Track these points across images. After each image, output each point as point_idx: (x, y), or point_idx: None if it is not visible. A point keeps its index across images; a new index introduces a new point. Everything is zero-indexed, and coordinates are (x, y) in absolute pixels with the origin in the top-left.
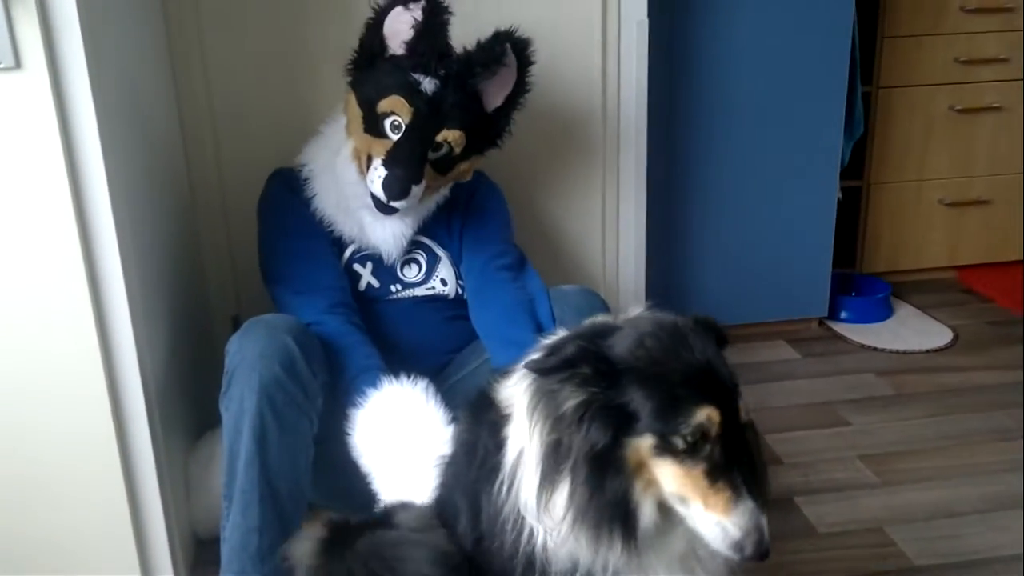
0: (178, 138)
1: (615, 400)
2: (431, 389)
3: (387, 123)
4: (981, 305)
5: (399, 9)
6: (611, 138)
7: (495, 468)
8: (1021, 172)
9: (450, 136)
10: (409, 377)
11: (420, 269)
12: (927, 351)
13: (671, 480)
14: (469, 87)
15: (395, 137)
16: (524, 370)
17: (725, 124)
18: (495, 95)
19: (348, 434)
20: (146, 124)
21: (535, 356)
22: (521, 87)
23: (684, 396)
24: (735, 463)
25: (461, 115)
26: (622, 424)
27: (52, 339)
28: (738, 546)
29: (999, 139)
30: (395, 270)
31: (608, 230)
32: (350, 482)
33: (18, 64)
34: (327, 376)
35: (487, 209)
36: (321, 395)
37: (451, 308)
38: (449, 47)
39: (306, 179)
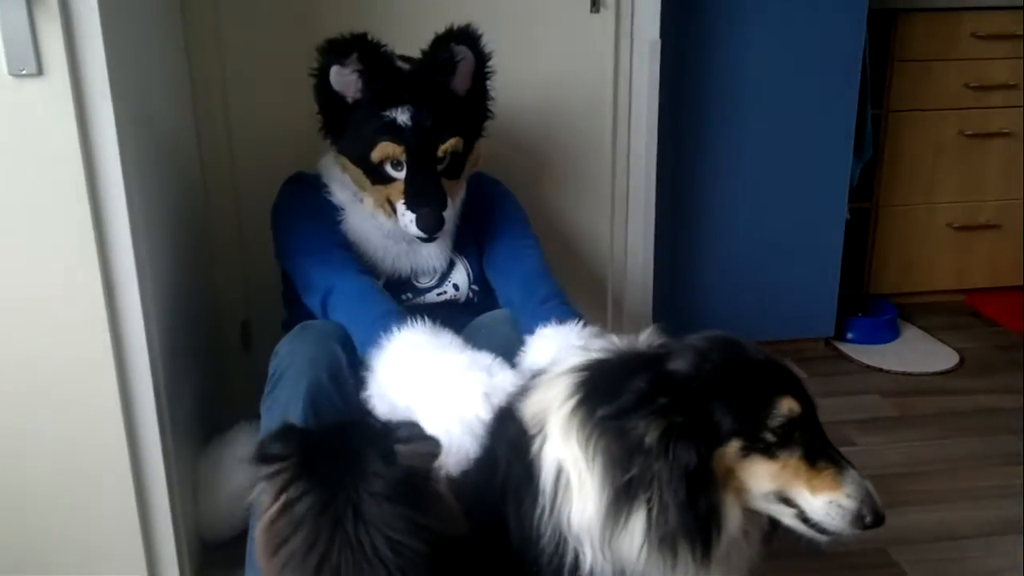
0: (193, 144)
1: (696, 418)
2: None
3: (387, 168)
4: (988, 328)
5: (335, 68)
6: (620, 158)
7: (523, 489)
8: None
9: (448, 146)
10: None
11: (434, 275)
12: (933, 373)
13: (766, 477)
14: (440, 94)
15: (402, 175)
16: (596, 419)
17: (735, 143)
18: (462, 82)
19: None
20: (163, 130)
21: (581, 389)
22: (483, 65)
23: (763, 392)
24: (823, 441)
25: (448, 123)
26: (705, 439)
27: (66, 341)
28: (857, 517)
29: (1008, 164)
30: (409, 279)
31: (616, 248)
32: None
33: (40, 71)
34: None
35: (503, 207)
36: (357, 406)
37: (460, 314)
38: (401, 71)
39: (322, 180)
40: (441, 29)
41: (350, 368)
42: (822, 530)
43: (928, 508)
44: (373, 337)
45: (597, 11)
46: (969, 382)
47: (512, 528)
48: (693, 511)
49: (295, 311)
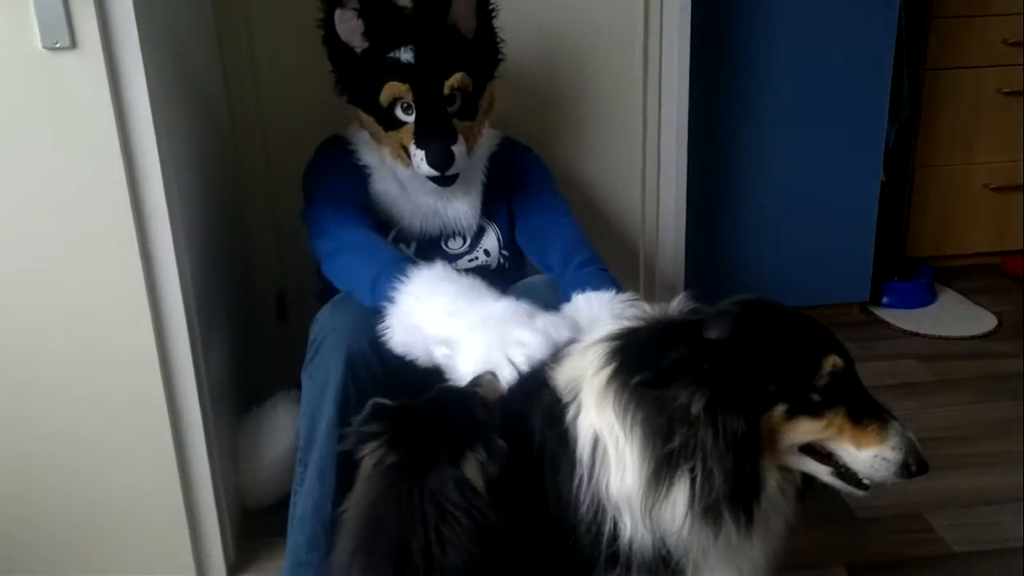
0: (225, 115)
1: (741, 384)
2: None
3: (397, 110)
4: None
5: (338, 12)
6: (651, 119)
7: (559, 458)
8: None
9: (455, 82)
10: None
11: (465, 240)
12: (970, 337)
13: (811, 436)
14: (441, 31)
15: (411, 118)
16: (633, 386)
17: (768, 105)
18: (466, 19)
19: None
20: (195, 100)
21: (616, 357)
22: (486, 2)
23: (807, 353)
24: (865, 395)
25: (452, 59)
26: (753, 404)
27: (105, 310)
28: (904, 467)
29: None
30: (439, 243)
31: (648, 213)
32: None
33: (74, 44)
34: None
35: (532, 168)
36: (398, 379)
37: (492, 282)
38: (401, 11)
39: (352, 143)
40: None
41: None
42: (862, 483)
43: (964, 473)
44: (388, 278)
45: None
46: (1006, 346)
47: (549, 496)
48: (738, 478)
49: (329, 282)
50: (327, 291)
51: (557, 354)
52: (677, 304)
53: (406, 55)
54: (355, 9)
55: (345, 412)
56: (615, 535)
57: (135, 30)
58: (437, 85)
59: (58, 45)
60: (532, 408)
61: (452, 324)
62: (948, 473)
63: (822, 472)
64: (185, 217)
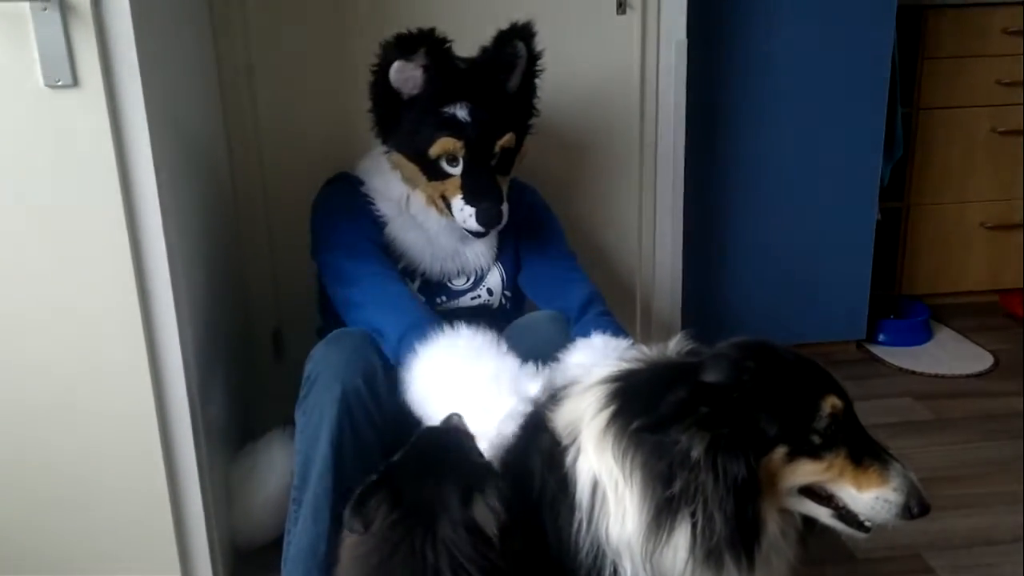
0: (224, 152)
1: (741, 428)
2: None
3: (444, 163)
4: (1022, 330)
5: (399, 63)
6: (648, 159)
7: (559, 502)
8: None
9: (504, 142)
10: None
11: (469, 278)
12: (967, 376)
13: (812, 479)
14: (496, 91)
15: (457, 171)
16: (632, 431)
17: (764, 143)
18: (515, 79)
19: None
20: (194, 139)
21: (614, 400)
22: (533, 64)
23: (806, 395)
24: (866, 437)
25: (503, 118)
26: (753, 448)
27: (101, 350)
28: (905, 508)
29: None
30: (444, 280)
31: (644, 251)
32: None
33: (75, 82)
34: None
35: (543, 217)
36: (393, 412)
37: (492, 321)
38: (459, 68)
39: (365, 184)
40: (468, 26)
41: (384, 374)
42: (863, 525)
43: (963, 513)
44: (406, 344)
45: (623, 12)
46: (1004, 384)
47: (550, 539)
48: (739, 521)
49: (330, 318)
50: (327, 328)
51: (556, 396)
52: (675, 345)
53: (461, 112)
54: (422, 64)
55: (339, 450)
56: None
57: (137, 69)
58: (490, 144)
59: (60, 83)
60: (531, 451)
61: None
62: (946, 513)
63: (823, 514)
64: (184, 255)
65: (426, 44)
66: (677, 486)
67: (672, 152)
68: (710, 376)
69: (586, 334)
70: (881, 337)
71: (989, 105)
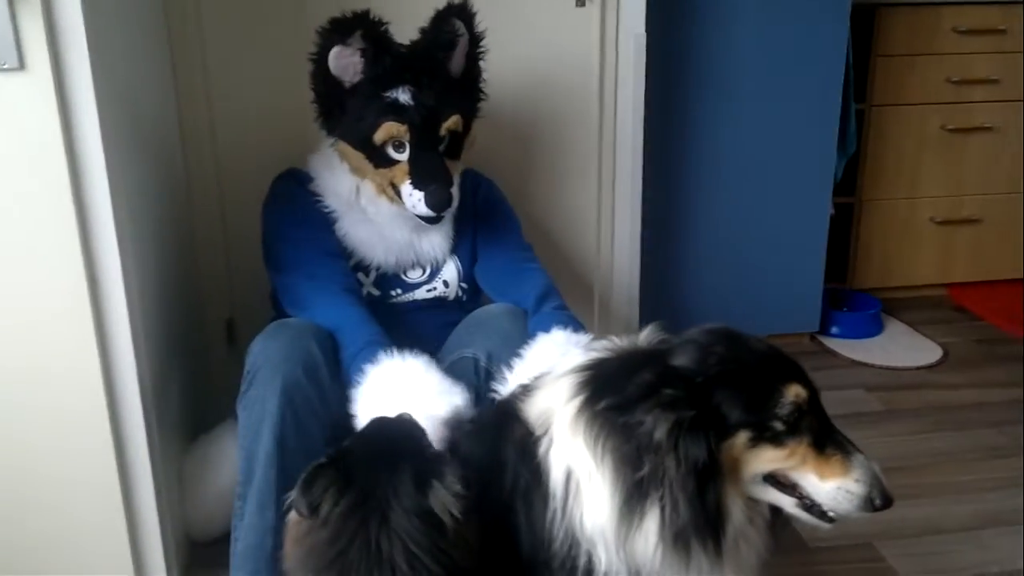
0: (176, 140)
1: (704, 411)
2: (431, 363)
3: (390, 149)
4: (971, 323)
5: (336, 48)
6: (607, 153)
7: (532, 493)
8: (1012, 192)
9: (450, 124)
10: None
11: (425, 270)
12: (917, 368)
13: (774, 466)
14: (439, 73)
15: (404, 156)
16: (592, 410)
17: (719, 139)
18: (458, 61)
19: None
20: (146, 125)
21: (585, 387)
22: (476, 45)
23: (770, 382)
24: (830, 427)
25: (448, 101)
26: (715, 431)
27: (50, 339)
28: (867, 501)
29: (989, 159)
30: (399, 272)
31: (603, 245)
32: None
33: (22, 65)
34: (341, 382)
35: (498, 209)
36: (336, 402)
37: (447, 313)
38: (400, 51)
39: (312, 180)
40: (428, 16)
41: (326, 365)
42: (826, 516)
43: (914, 502)
44: (360, 362)
45: (583, 5)
46: (953, 376)
47: (522, 532)
48: (703, 506)
49: (283, 310)
50: (280, 319)
51: (528, 387)
52: (646, 336)
53: (404, 96)
54: (359, 48)
55: (282, 443)
56: (590, 570)
57: (86, 53)
58: (435, 127)
59: (6, 66)
60: (504, 443)
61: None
62: (898, 503)
63: (787, 503)
64: (135, 242)
65: (362, 27)
66: (645, 469)
67: (631, 146)
68: (677, 360)
69: (545, 329)
70: (834, 329)
71: (939, 103)
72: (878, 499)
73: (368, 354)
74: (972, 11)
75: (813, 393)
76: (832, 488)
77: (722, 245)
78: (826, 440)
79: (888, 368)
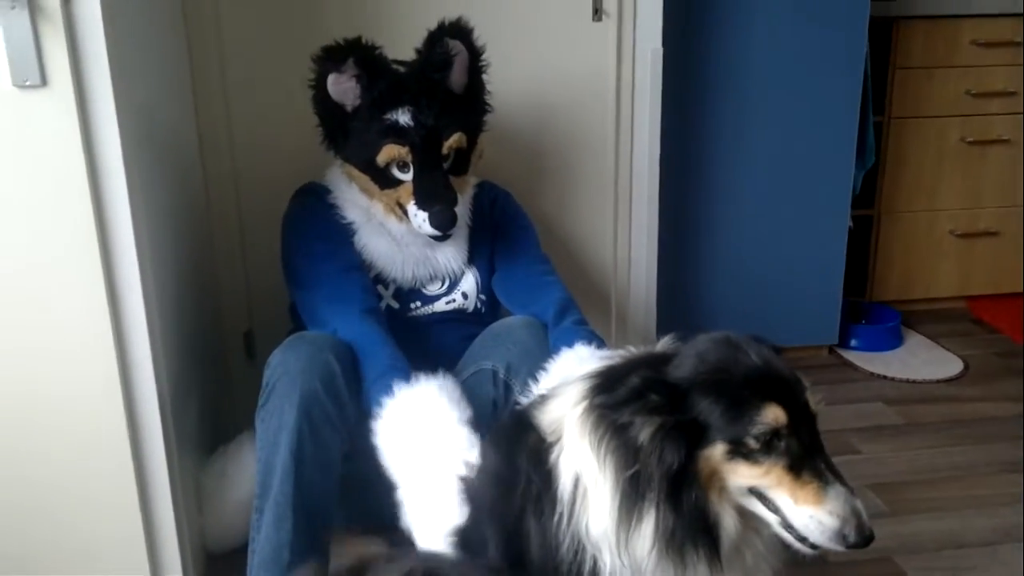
0: (195, 153)
1: (685, 418)
2: (449, 387)
3: (394, 170)
4: (991, 336)
5: (333, 76)
6: (623, 166)
7: (543, 498)
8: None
9: (452, 142)
10: (428, 376)
11: (443, 282)
12: (937, 381)
13: (749, 480)
14: (438, 92)
15: (408, 176)
16: (587, 404)
17: (737, 151)
18: (459, 77)
19: (373, 446)
20: (166, 139)
21: (591, 389)
22: (477, 58)
23: (749, 398)
24: (814, 453)
25: (449, 119)
26: (693, 439)
27: (71, 352)
28: (840, 535)
29: (1008, 171)
30: (417, 285)
31: (620, 258)
32: (374, 499)
33: (44, 82)
34: (359, 395)
35: (516, 221)
36: (354, 415)
37: (466, 326)
38: (398, 72)
39: (331, 193)
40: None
41: (344, 378)
42: (805, 541)
43: (933, 516)
44: (379, 389)
45: (599, 19)
46: (973, 390)
47: (533, 537)
48: (681, 510)
49: (301, 321)
50: (298, 331)
51: (543, 396)
52: (662, 345)
53: (404, 117)
54: (354, 75)
55: (300, 455)
56: (595, 573)
57: (107, 69)
58: (436, 147)
59: (28, 83)
60: (518, 450)
61: (406, 481)
62: (918, 517)
63: (773, 521)
64: (155, 256)
65: (353, 53)
66: (632, 469)
67: (647, 160)
68: (674, 368)
69: (568, 344)
70: (853, 342)
71: (959, 115)
72: (852, 536)
73: (385, 383)
74: (991, 24)
75: (799, 417)
76: (805, 515)
77: (740, 257)
78: (804, 466)
79: (908, 381)
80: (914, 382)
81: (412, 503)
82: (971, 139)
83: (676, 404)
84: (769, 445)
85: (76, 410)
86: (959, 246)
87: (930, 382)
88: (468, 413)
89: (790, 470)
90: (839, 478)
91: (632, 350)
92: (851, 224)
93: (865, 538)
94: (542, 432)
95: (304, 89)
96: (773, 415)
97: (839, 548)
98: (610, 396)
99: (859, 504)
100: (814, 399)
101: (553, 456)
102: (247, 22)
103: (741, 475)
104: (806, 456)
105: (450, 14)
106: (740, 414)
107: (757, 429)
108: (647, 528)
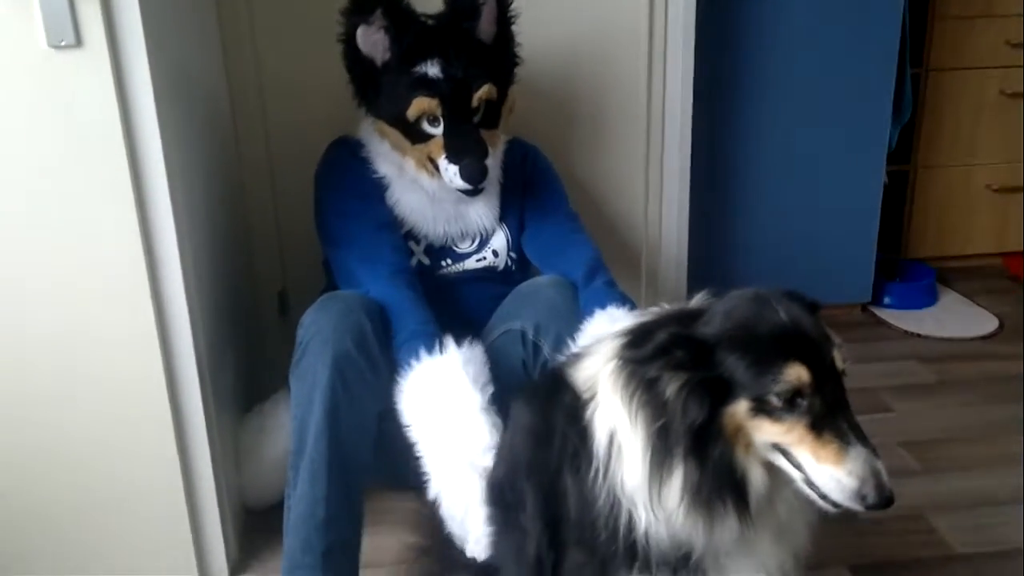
0: (227, 111)
1: (710, 374)
2: (476, 358)
3: (424, 124)
4: None
5: (361, 28)
6: (655, 117)
7: (579, 455)
8: None
9: (483, 94)
10: (456, 342)
11: (474, 240)
12: (972, 338)
13: (773, 439)
14: (466, 42)
15: (439, 130)
16: (617, 360)
17: (771, 105)
18: (487, 29)
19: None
20: (199, 98)
21: (624, 345)
22: (505, 8)
23: (772, 355)
24: (838, 412)
25: (478, 71)
26: (718, 395)
27: (109, 312)
28: (858, 495)
29: None
30: (448, 243)
31: (651, 215)
32: (404, 459)
33: (79, 42)
34: (392, 354)
35: (546, 178)
36: (387, 374)
37: (497, 285)
38: (426, 24)
39: (364, 147)
40: None
41: (375, 337)
42: (827, 498)
43: (967, 474)
44: (407, 352)
45: None
46: (1008, 347)
47: (571, 494)
48: (707, 465)
49: (334, 279)
50: (333, 287)
51: (577, 354)
52: (697, 301)
53: (433, 69)
54: (382, 26)
55: (334, 413)
56: (631, 528)
57: (140, 29)
58: (466, 99)
59: (63, 43)
60: (555, 409)
61: (430, 451)
62: (950, 474)
63: (797, 477)
64: (189, 214)
65: (381, 4)
66: (659, 423)
67: (679, 113)
68: (703, 323)
69: (601, 305)
70: (887, 300)
71: (998, 67)
72: (871, 496)
73: (412, 347)
74: None
75: (823, 376)
76: (825, 473)
77: (772, 213)
78: (826, 425)
79: (942, 339)
80: (948, 340)
81: (436, 474)
82: (1010, 91)
83: (702, 360)
84: (792, 403)
85: (115, 369)
86: (996, 201)
87: (964, 340)
88: (491, 389)
89: (812, 428)
90: (861, 438)
91: (666, 307)
92: (886, 179)
93: (885, 499)
94: (577, 389)
95: (331, 36)
96: (796, 373)
97: (859, 508)
98: (638, 351)
99: (880, 465)
100: (841, 358)
101: (588, 412)
102: None
103: (765, 432)
104: (829, 415)
105: None
106: (764, 371)
107: (780, 387)
108: (676, 482)
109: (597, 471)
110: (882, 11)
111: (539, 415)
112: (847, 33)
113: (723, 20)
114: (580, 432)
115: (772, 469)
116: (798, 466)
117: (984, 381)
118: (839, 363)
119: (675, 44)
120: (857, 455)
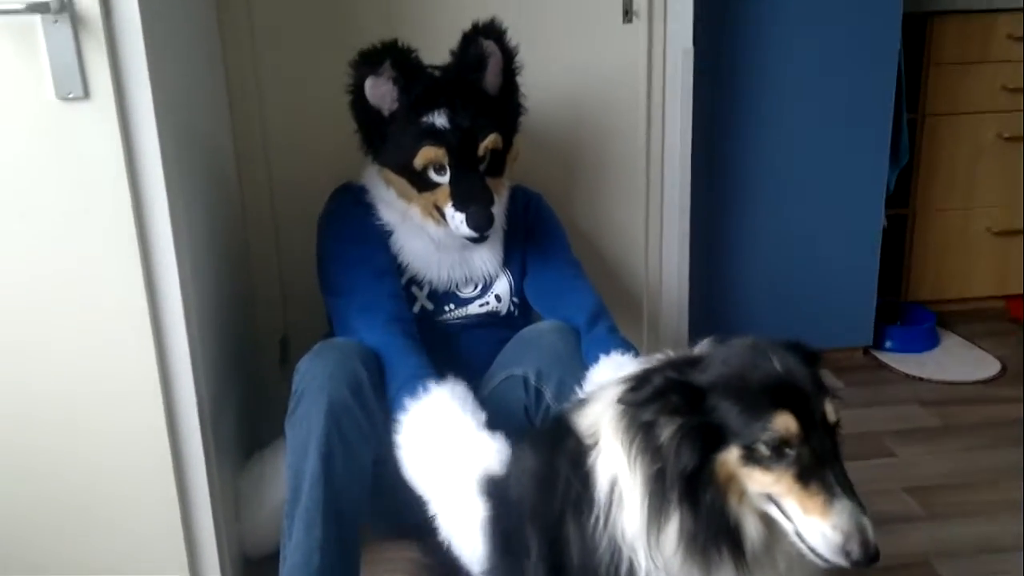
0: (231, 160)
1: (703, 420)
2: (460, 392)
3: (431, 173)
4: None
5: (370, 79)
6: (655, 168)
7: (582, 501)
8: None
9: (488, 143)
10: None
11: (477, 285)
12: (974, 382)
13: (763, 487)
14: (474, 94)
15: (445, 179)
16: (615, 403)
17: (770, 149)
18: (493, 80)
19: (398, 450)
20: (203, 147)
21: (624, 390)
22: (510, 59)
23: (762, 404)
24: (826, 464)
25: (484, 121)
26: (711, 442)
27: (112, 358)
28: (843, 550)
29: None
30: (451, 288)
31: (651, 260)
32: (406, 504)
33: (87, 94)
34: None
35: (549, 225)
36: (382, 421)
37: (500, 330)
38: (433, 75)
39: (368, 193)
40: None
41: (371, 385)
42: (815, 551)
43: (970, 520)
44: (402, 397)
45: (630, 21)
46: (1011, 391)
47: (573, 540)
48: (700, 512)
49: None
50: (332, 335)
51: (582, 400)
52: (699, 348)
53: (440, 119)
54: (391, 77)
55: (329, 462)
56: (631, 574)
57: (148, 82)
58: (473, 148)
59: (71, 95)
60: (559, 454)
61: (432, 488)
62: (954, 520)
63: (789, 529)
64: (194, 264)
65: (390, 56)
66: (656, 468)
67: (678, 160)
68: (701, 370)
69: (605, 351)
70: (888, 343)
71: (994, 111)
72: (855, 552)
73: (404, 396)
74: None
75: (811, 426)
76: (811, 525)
77: (772, 258)
78: (813, 476)
79: (944, 383)
80: (950, 383)
81: (445, 514)
82: (1007, 135)
83: (696, 405)
84: (780, 452)
85: (117, 415)
86: (995, 244)
87: (966, 383)
88: (483, 416)
89: (799, 479)
90: (849, 492)
91: (670, 354)
92: (885, 223)
93: (869, 556)
94: (580, 435)
95: (337, 91)
96: (784, 423)
97: (843, 563)
98: (635, 395)
99: (866, 520)
100: (833, 410)
101: (591, 458)
102: (280, 24)
103: (755, 481)
104: (817, 466)
105: (482, 17)
106: (753, 419)
107: (768, 435)
108: (672, 528)
109: (598, 518)
110: (878, 58)
111: (543, 460)
112: (845, 80)
113: (720, 68)
114: (583, 478)
115: (769, 520)
116: (789, 517)
117: (986, 425)
118: (831, 415)
119: (673, 92)
120: (843, 509)
